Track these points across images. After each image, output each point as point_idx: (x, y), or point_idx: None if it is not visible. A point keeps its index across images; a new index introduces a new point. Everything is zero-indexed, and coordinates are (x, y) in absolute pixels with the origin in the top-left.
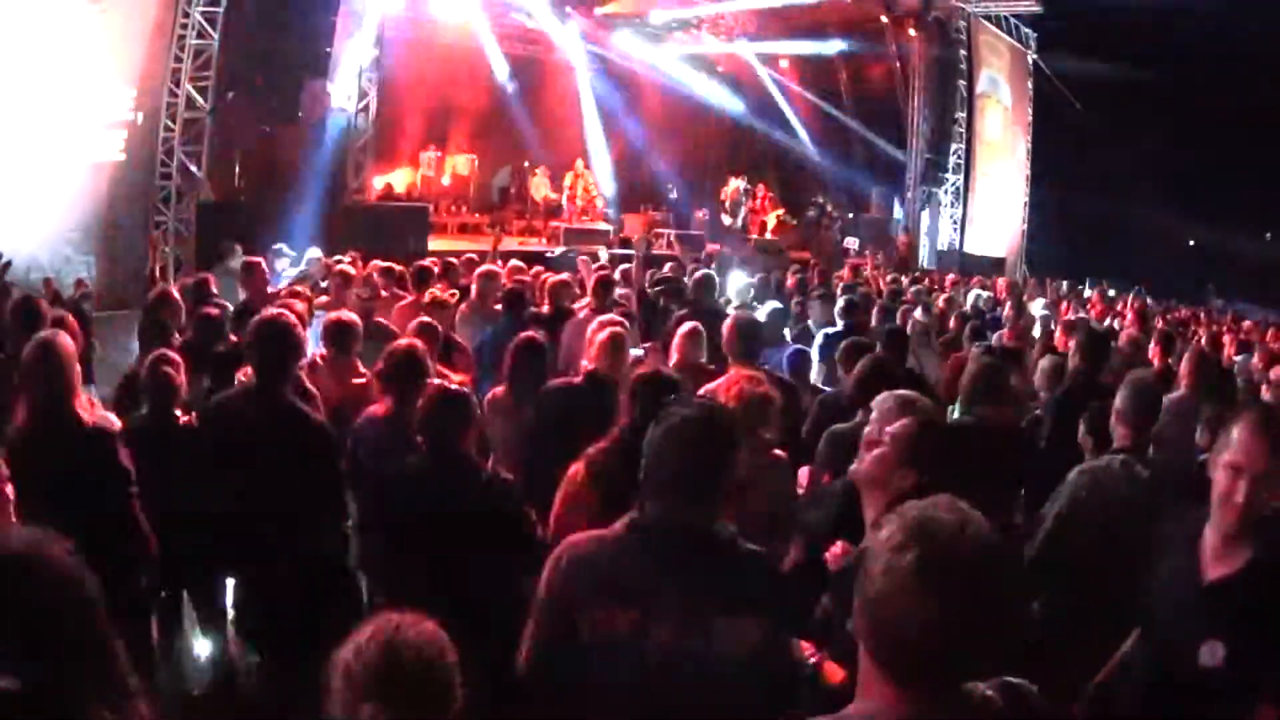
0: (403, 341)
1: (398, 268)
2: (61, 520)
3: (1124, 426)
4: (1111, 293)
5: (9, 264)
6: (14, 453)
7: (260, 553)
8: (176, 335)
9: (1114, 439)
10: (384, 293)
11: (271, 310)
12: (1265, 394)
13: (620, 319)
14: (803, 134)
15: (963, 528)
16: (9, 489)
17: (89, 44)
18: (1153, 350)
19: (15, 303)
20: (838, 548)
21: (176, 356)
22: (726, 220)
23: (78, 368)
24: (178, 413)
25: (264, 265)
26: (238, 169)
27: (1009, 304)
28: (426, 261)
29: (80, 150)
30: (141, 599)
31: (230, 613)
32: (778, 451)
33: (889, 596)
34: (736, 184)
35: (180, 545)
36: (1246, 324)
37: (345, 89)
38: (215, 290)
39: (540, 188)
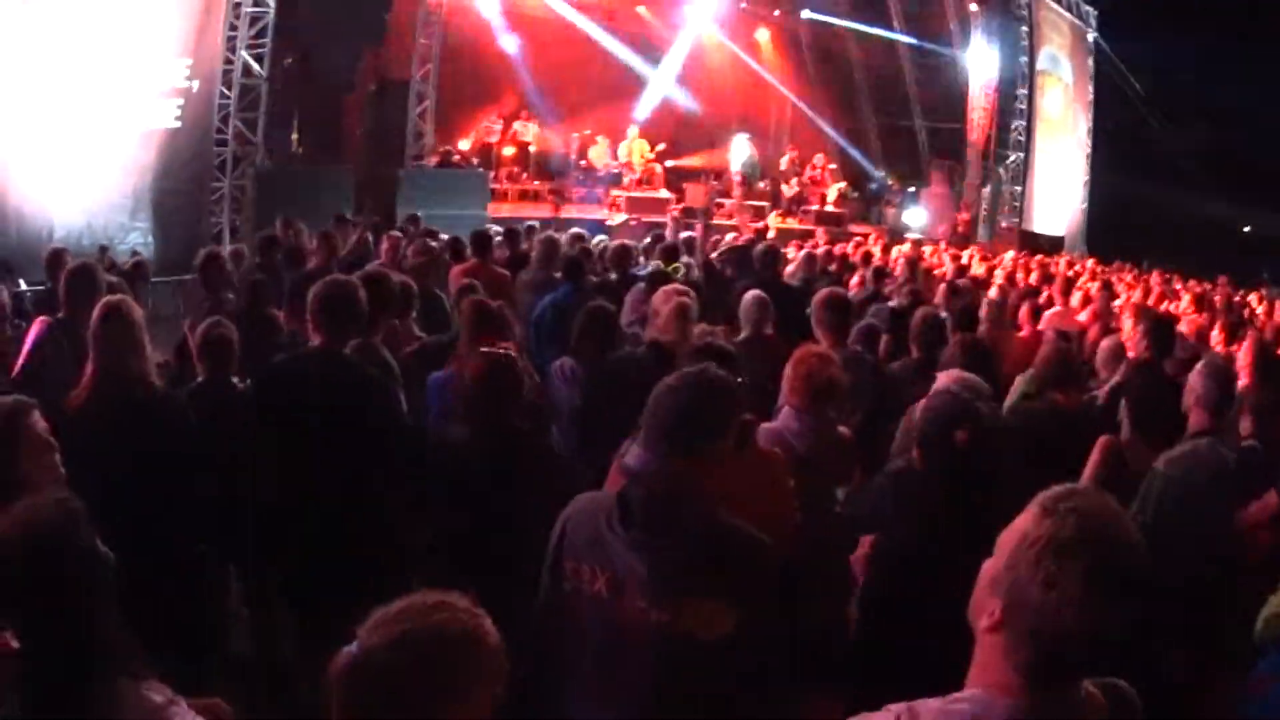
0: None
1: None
2: (132, 486)
3: (1203, 410)
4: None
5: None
6: (81, 417)
7: (316, 518)
8: (230, 296)
9: (1190, 424)
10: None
11: (336, 277)
12: None
13: (686, 288)
14: (865, 108)
15: (1126, 531)
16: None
17: (144, 12)
18: (1217, 338)
19: (72, 269)
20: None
21: (229, 322)
22: (787, 190)
23: (145, 333)
24: (234, 378)
25: (335, 236)
26: (295, 136)
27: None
28: (486, 228)
29: (136, 118)
30: (202, 565)
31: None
32: (842, 429)
33: (1053, 600)
34: (791, 154)
35: (235, 512)
36: None
37: (402, 54)
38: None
39: (601, 156)
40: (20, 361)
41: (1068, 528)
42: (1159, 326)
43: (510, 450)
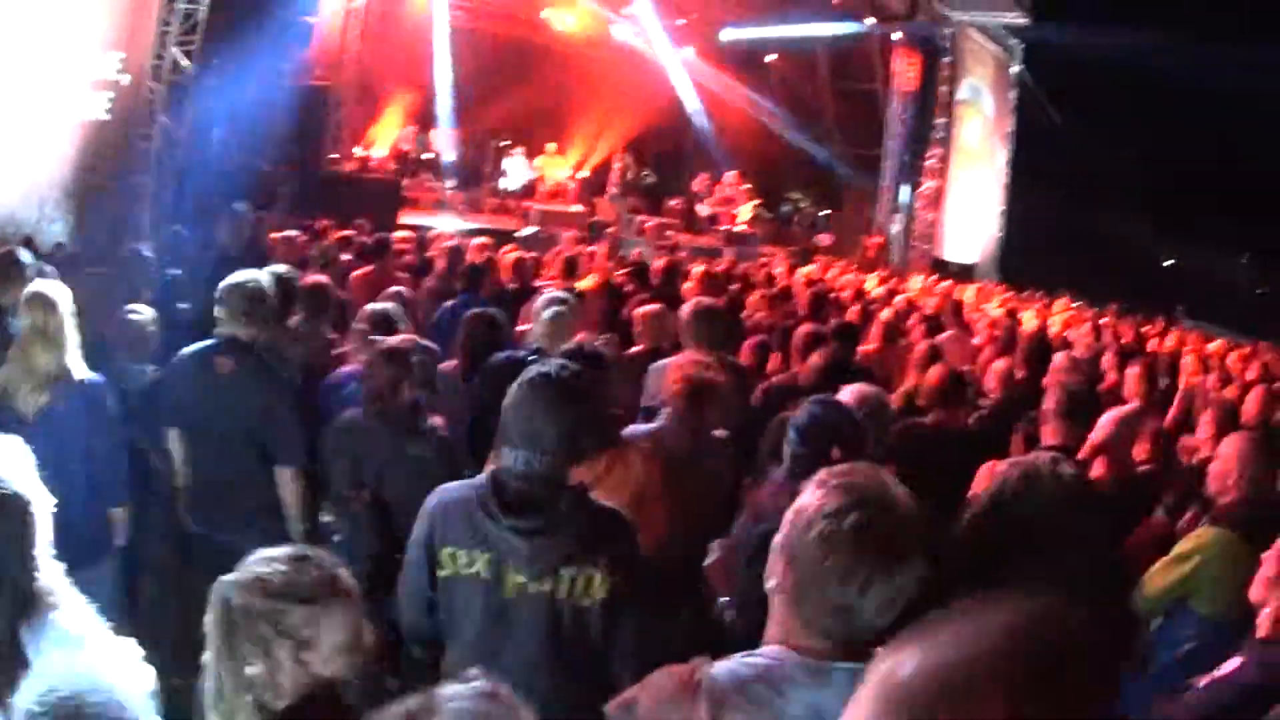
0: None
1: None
2: (55, 467)
3: (1053, 425)
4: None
5: None
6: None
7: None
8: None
9: (1044, 438)
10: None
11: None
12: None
13: (565, 295)
14: (781, 127)
15: (892, 497)
16: None
17: (75, 3)
18: (1108, 362)
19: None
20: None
21: (147, 313)
22: (703, 210)
23: (69, 316)
24: (148, 368)
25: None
26: (216, 133)
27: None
28: (390, 235)
29: (63, 110)
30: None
31: None
32: (718, 432)
33: (826, 559)
34: (702, 176)
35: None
36: (1212, 346)
37: (325, 58)
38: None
39: (516, 167)
40: None
41: (835, 496)
42: (1037, 348)
43: (402, 431)
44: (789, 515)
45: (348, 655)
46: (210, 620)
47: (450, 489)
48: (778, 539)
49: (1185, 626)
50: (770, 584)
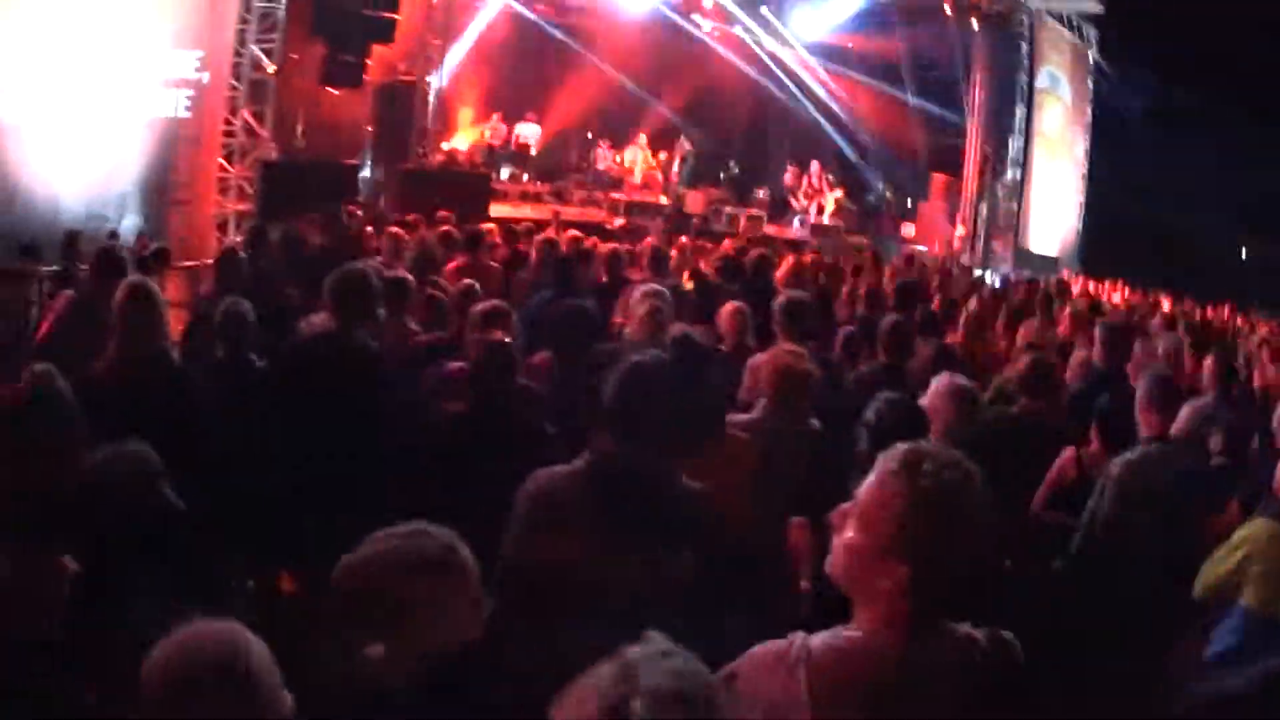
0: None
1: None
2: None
3: (1150, 416)
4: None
5: None
6: (103, 387)
7: (322, 491)
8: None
9: (1141, 429)
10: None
11: (352, 263)
12: None
13: (661, 290)
14: (866, 118)
15: (964, 465)
16: None
17: (157, 6)
18: (1185, 353)
19: (99, 252)
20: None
21: (248, 302)
22: (794, 203)
23: (166, 312)
24: (252, 356)
25: (343, 219)
26: (300, 129)
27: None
28: (483, 226)
29: (145, 107)
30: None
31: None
32: (813, 422)
33: (950, 536)
34: (792, 168)
35: (248, 484)
36: None
37: (408, 53)
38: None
39: (603, 159)
40: (43, 332)
41: (947, 479)
42: (1115, 336)
43: (505, 427)
44: (881, 506)
45: (474, 618)
46: (332, 605)
47: (548, 474)
48: (877, 533)
49: (1233, 618)
50: (881, 584)
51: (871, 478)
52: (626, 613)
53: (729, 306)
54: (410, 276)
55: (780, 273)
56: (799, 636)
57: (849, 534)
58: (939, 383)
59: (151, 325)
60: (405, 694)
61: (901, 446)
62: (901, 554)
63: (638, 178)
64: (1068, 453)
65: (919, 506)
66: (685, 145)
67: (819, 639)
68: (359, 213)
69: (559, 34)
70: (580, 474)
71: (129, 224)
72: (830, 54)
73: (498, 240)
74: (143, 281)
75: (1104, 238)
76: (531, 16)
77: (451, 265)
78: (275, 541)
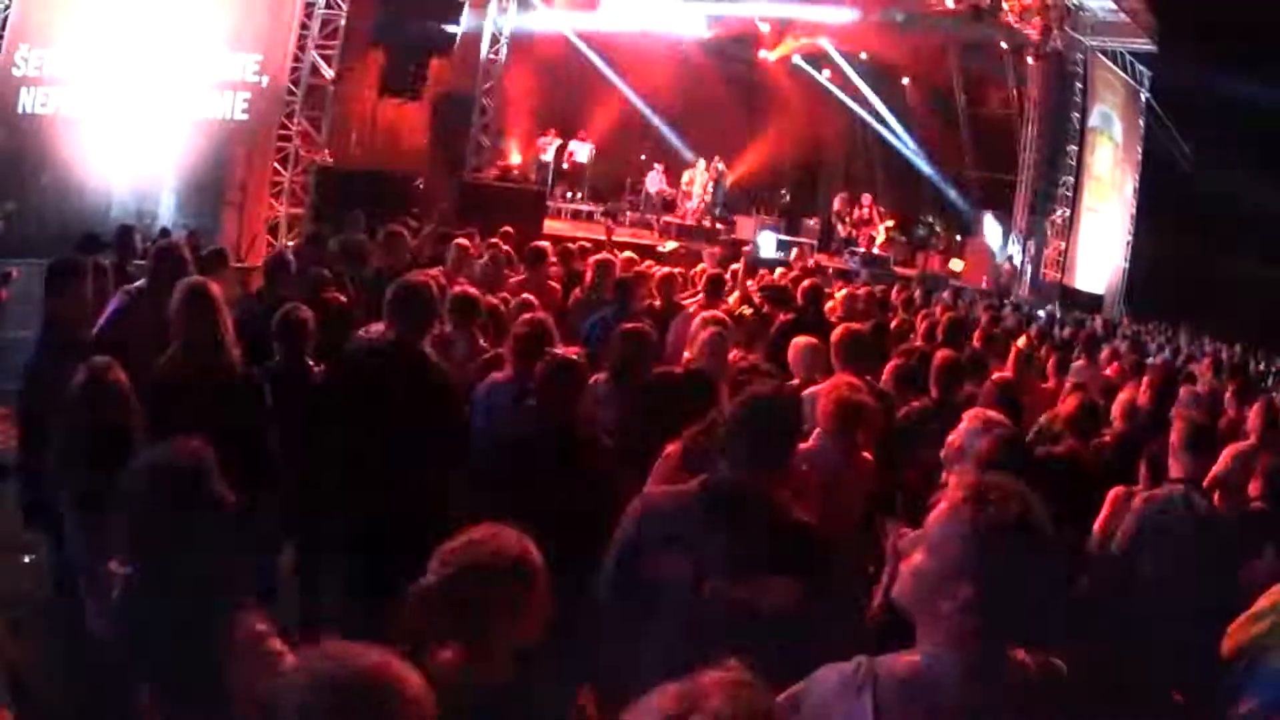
0: (533, 314)
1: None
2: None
3: (1180, 460)
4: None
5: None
6: (164, 388)
7: (380, 497)
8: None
9: (1171, 470)
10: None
11: (414, 273)
12: None
13: (723, 317)
14: (918, 151)
15: (1029, 497)
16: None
17: (217, 6)
18: (1228, 398)
19: (161, 248)
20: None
21: (307, 308)
22: (841, 230)
23: (227, 314)
24: (309, 361)
25: (405, 234)
26: (354, 137)
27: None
28: (544, 244)
29: (200, 108)
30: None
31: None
32: (865, 455)
33: (1020, 565)
34: (842, 195)
35: (304, 488)
36: None
37: (468, 67)
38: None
39: (655, 182)
40: (100, 326)
41: (1014, 509)
42: (1164, 380)
43: (573, 446)
44: (950, 534)
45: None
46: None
47: (657, 494)
48: (945, 559)
49: (1264, 678)
50: (945, 607)
51: (941, 506)
52: (731, 634)
53: (802, 341)
54: (475, 290)
55: (834, 304)
56: (864, 660)
57: (917, 559)
58: (972, 418)
59: (213, 326)
60: (477, 692)
61: (969, 478)
62: (966, 577)
63: (694, 202)
64: (1115, 493)
65: (984, 532)
66: (719, 168)
67: (884, 662)
68: (414, 224)
69: (608, 61)
70: (696, 496)
71: (179, 222)
72: (885, 87)
73: (553, 258)
74: (203, 283)
75: (1150, 278)
76: (581, 46)
77: (513, 281)
78: (329, 544)
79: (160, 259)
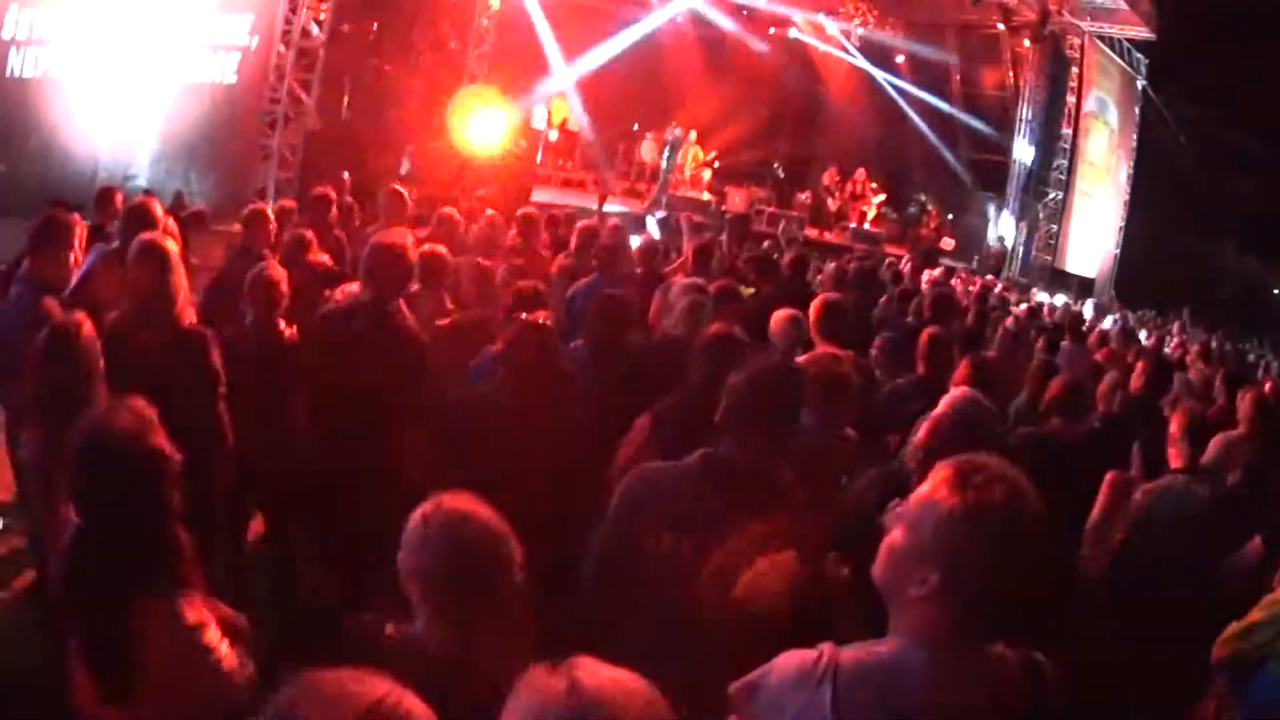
0: (525, 283)
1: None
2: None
3: (1178, 449)
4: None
5: None
6: (110, 341)
7: (349, 460)
8: (268, 253)
9: (1170, 461)
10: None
11: (390, 234)
12: None
13: (703, 285)
14: (912, 128)
15: (1034, 498)
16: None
17: None
18: (1217, 386)
19: (131, 206)
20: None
21: (280, 268)
22: (831, 205)
23: (181, 269)
24: (281, 324)
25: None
26: (346, 100)
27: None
28: (533, 211)
29: (189, 70)
30: (213, 500)
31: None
32: (849, 431)
33: (989, 564)
34: (832, 169)
35: (270, 455)
36: None
37: (460, 29)
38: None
39: (648, 152)
40: (73, 285)
41: (995, 494)
42: (1157, 368)
43: (539, 407)
44: (925, 518)
45: None
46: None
47: (654, 468)
48: (913, 543)
49: (1262, 682)
50: (913, 593)
51: (927, 482)
52: (733, 610)
53: (784, 314)
54: (445, 251)
55: (822, 276)
56: (826, 648)
57: (895, 535)
58: (948, 399)
59: (162, 283)
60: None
61: (963, 456)
62: (934, 560)
63: (686, 173)
64: (1109, 478)
65: (959, 514)
66: (675, 132)
67: (848, 652)
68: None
69: (608, 21)
70: (695, 470)
71: (167, 185)
72: (881, 63)
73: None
74: (152, 240)
75: (1141, 264)
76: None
77: (504, 248)
78: (296, 507)
79: (130, 218)
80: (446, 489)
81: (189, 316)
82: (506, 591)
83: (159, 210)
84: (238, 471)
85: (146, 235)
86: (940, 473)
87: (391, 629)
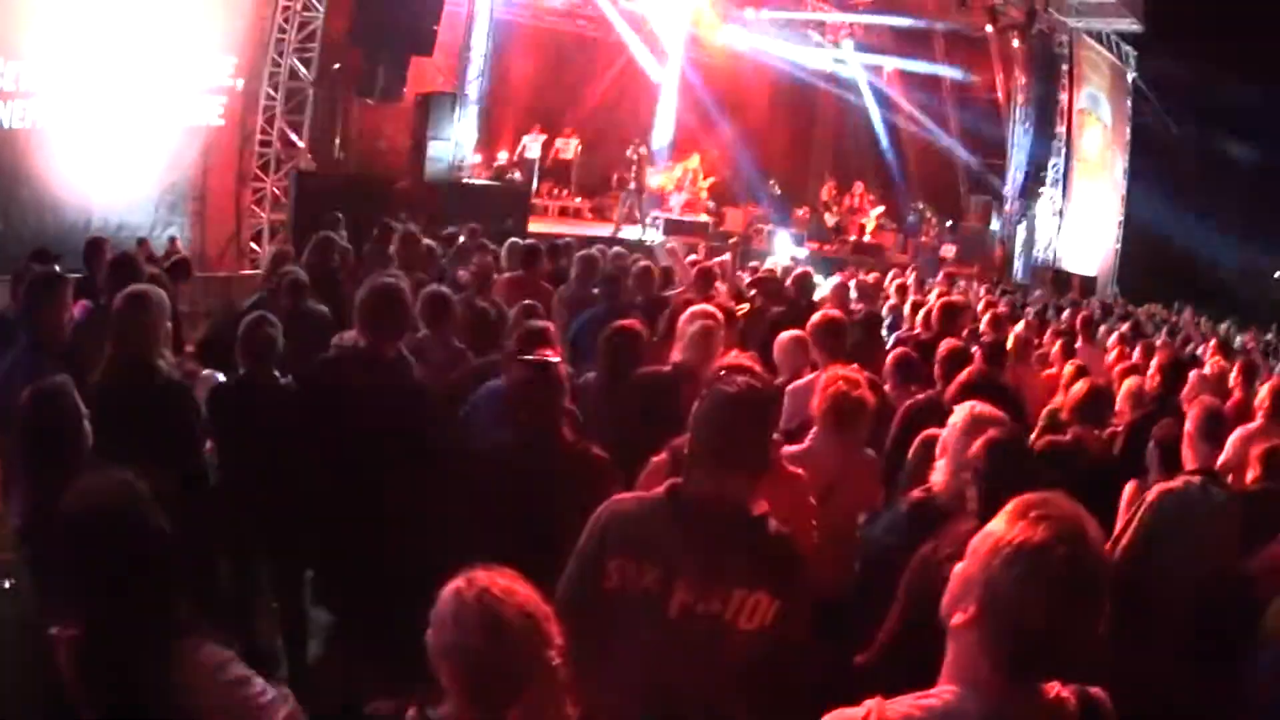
0: (533, 321)
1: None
2: (132, 467)
3: (1195, 449)
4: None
5: None
6: (95, 398)
7: (351, 513)
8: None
9: (1185, 461)
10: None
11: (384, 277)
12: None
13: (713, 310)
14: (906, 136)
15: (1092, 537)
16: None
17: (190, 9)
18: (1234, 380)
19: (115, 259)
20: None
21: (274, 317)
22: (830, 220)
23: (167, 322)
24: (276, 373)
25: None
26: (338, 140)
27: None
28: (534, 242)
29: (178, 113)
30: (205, 552)
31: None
32: (869, 452)
33: (1022, 599)
34: (830, 184)
35: (268, 504)
36: None
37: (451, 67)
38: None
39: (648, 176)
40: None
41: (1040, 531)
42: (1172, 366)
43: (552, 454)
44: (979, 547)
45: None
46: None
47: (624, 500)
48: (965, 572)
49: None
50: (955, 620)
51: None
52: (699, 649)
53: (788, 337)
54: (446, 291)
55: (826, 294)
56: (874, 705)
57: (960, 564)
58: (963, 415)
59: (143, 333)
60: None
61: (1032, 494)
62: (976, 588)
63: (684, 195)
64: (1130, 488)
65: (1002, 545)
66: (640, 150)
67: (897, 708)
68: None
69: (596, 50)
70: (662, 502)
71: (161, 232)
72: (872, 72)
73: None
74: (143, 290)
75: (1142, 259)
76: (570, 29)
77: (505, 278)
78: (302, 559)
79: (115, 270)
80: (461, 542)
81: (174, 367)
82: (545, 676)
83: (142, 260)
84: (242, 522)
85: (133, 288)
86: (1008, 506)
87: (414, 714)
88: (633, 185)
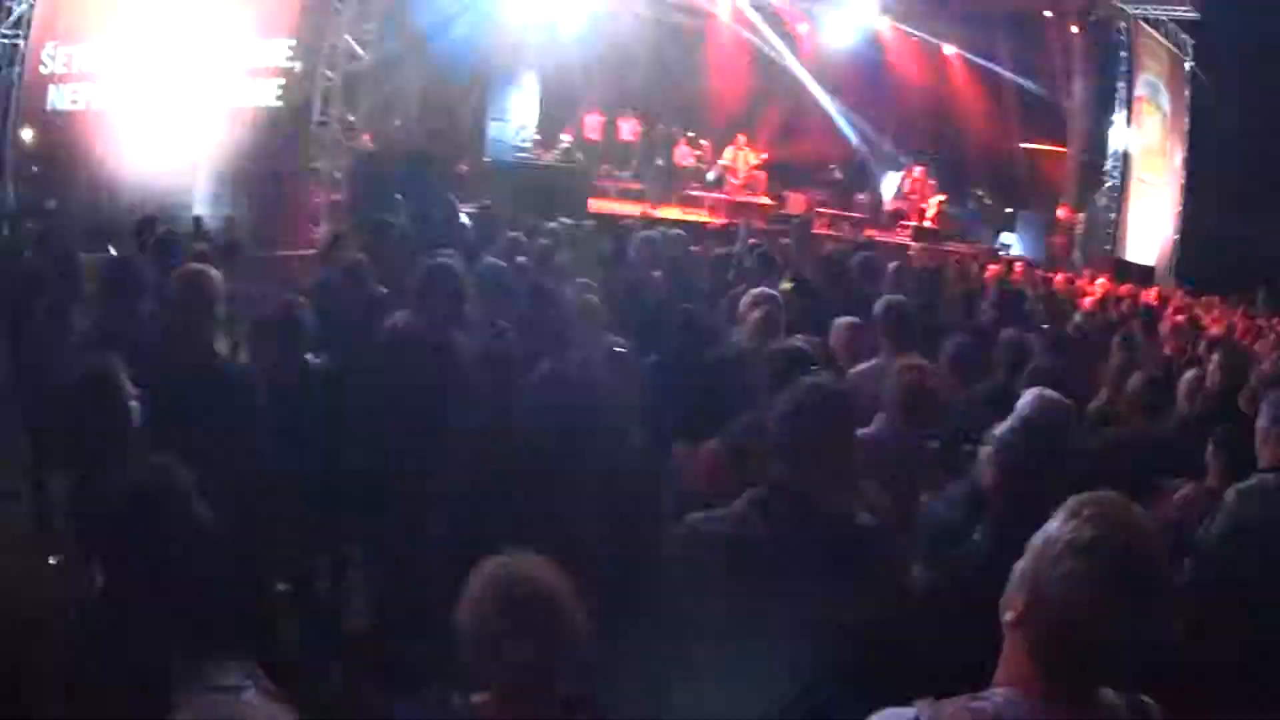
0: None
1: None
2: (185, 452)
3: (1270, 446)
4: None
5: None
6: (152, 380)
7: (397, 496)
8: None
9: (1260, 459)
10: None
11: (438, 257)
12: None
13: (774, 295)
14: (967, 122)
15: (1145, 537)
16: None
17: None
18: None
19: (156, 241)
20: None
21: (305, 300)
22: (890, 204)
23: (220, 303)
24: (308, 356)
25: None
26: (398, 121)
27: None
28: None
29: (235, 97)
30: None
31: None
32: (932, 443)
33: (1069, 597)
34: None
35: (308, 491)
36: None
37: (515, 45)
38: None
39: (684, 156)
40: None
41: (1088, 529)
42: (1234, 359)
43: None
44: (1034, 543)
45: None
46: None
47: (704, 520)
48: (1020, 567)
49: None
50: (1007, 618)
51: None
52: (794, 657)
53: (845, 322)
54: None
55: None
56: (926, 706)
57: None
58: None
59: (195, 318)
60: None
61: (1090, 493)
62: (1026, 583)
63: (740, 178)
64: (1186, 490)
65: (1050, 542)
66: (637, 126)
67: (949, 708)
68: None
69: (663, 33)
70: (748, 509)
71: (217, 212)
72: (931, 60)
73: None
74: (196, 270)
75: (1201, 250)
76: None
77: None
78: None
79: (158, 251)
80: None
81: (224, 348)
82: (576, 668)
83: (185, 240)
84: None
85: (186, 269)
86: (1065, 503)
87: (457, 699)
88: (659, 162)
